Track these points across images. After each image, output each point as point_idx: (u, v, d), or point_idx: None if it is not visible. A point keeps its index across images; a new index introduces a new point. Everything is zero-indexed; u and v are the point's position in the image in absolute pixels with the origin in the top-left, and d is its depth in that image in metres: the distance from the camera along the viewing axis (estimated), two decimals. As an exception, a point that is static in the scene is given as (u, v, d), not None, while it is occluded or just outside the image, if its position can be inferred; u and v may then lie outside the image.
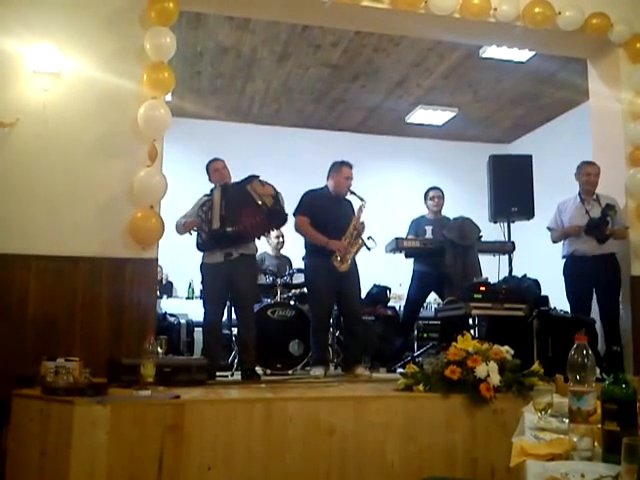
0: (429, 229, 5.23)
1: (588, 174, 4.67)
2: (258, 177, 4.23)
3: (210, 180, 4.39)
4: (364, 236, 4.60)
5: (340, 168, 4.67)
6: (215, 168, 4.36)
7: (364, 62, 6.50)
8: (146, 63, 3.88)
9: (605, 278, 4.50)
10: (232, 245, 4.12)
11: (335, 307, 5.00)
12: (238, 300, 4.25)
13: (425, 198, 5.42)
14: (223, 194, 4.17)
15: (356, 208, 4.69)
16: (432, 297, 5.81)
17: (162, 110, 3.84)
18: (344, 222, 4.53)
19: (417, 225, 5.34)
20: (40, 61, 3.80)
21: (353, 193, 4.65)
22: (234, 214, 4.10)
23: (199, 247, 4.20)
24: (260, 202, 4.11)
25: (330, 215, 4.53)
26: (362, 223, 4.58)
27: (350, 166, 4.69)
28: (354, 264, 4.58)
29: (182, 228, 4.22)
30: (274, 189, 4.22)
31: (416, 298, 5.31)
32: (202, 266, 4.20)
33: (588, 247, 4.53)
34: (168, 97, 4.23)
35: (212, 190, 4.33)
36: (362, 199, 4.60)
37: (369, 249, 4.59)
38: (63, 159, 3.80)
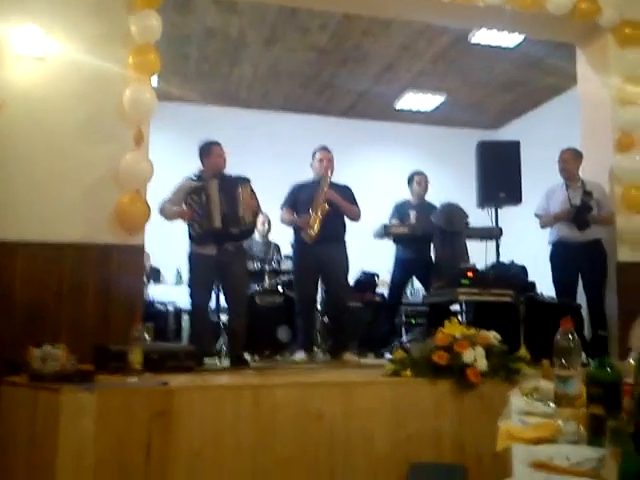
0: (412, 214, 5.24)
1: (563, 161, 4.73)
2: (249, 181, 4.18)
3: (202, 161, 4.21)
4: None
5: (314, 154, 4.71)
6: (218, 154, 4.19)
7: (352, 46, 6.45)
8: (132, 46, 3.82)
9: (590, 264, 4.53)
10: (230, 241, 4.10)
11: (322, 292, 5.02)
12: (231, 288, 4.22)
13: (409, 182, 5.43)
14: (220, 188, 4.05)
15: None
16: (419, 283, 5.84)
17: (148, 94, 3.80)
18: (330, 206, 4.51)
19: (400, 209, 5.36)
20: (24, 44, 3.72)
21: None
22: (234, 213, 4.04)
23: (191, 238, 4.10)
24: (240, 215, 4.04)
25: (310, 200, 4.51)
26: (330, 191, 4.51)
27: (323, 149, 4.68)
28: (341, 249, 4.57)
29: (170, 216, 4.10)
30: (258, 204, 4.22)
31: (399, 282, 5.40)
32: (191, 255, 4.14)
33: (573, 234, 4.56)
34: (154, 82, 4.17)
35: (200, 176, 4.18)
36: (329, 175, 4.57)
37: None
38: (48, 143, 3.74)
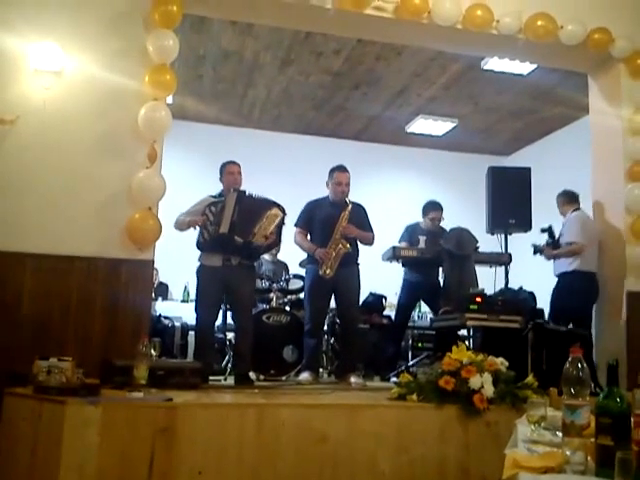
0: (423, 239, 5.23)
1: None
2: (284, 215, 4.20)
3: (221, 181, 4.39)
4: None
5: (332, 174, 4.63)
6: (230, 171, 4.34)
7: (365, 70, 6.52)
8: (148, 65, 3.87)
9: (569, 295, 4.65)
10: (233, 254, 4.10)
11: (331, 314, 5.00)
12: (236, 306, 4.24)
13: (424, 213, 5.39)
14: (238, 201, 4.11)
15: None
16: (427, 307, 5.81)
17: (163, 112, 3.84)
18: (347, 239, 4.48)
19: (412, 232, 5.35)
20: (42, 59, 3.78)
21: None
22: (245, 225, 4.06)
23: (198, 246, 4.18)
24: (254, 231, 4.05)
25: (327, 223, 4.49)
26: (349, 226, 4.44)
27: (342, 170, 4.60)
28: (355, 272, 4.56)
29: (184, 225, 4.18)
30: (277, 238, 4.23)
31: (406, 305, 5.38)
32: (199, 268, 4.18)
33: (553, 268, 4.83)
34: (169, 99, 4.23)
35: (221, 193, 4.31)
36: (348, 202, 4.49)
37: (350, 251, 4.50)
38: (62, 158, 3.78)
